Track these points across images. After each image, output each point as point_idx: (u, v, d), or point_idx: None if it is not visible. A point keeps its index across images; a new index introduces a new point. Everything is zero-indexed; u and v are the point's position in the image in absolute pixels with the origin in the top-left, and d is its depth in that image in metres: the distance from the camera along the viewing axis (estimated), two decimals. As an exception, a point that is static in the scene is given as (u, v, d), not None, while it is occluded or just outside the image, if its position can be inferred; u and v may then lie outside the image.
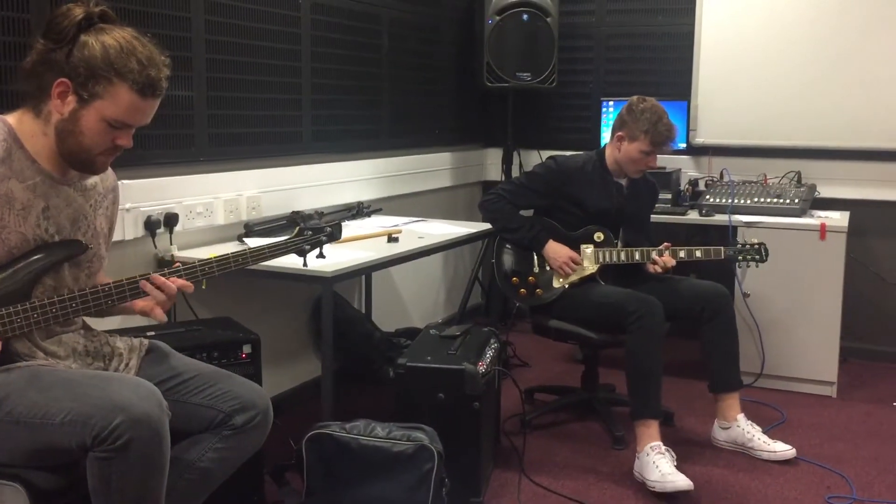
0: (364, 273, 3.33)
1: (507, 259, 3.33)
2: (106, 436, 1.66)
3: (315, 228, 2.31)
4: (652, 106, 3.14)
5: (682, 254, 3.15)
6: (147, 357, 2.06)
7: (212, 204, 3.01)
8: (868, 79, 4.05)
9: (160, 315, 1.98)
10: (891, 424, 3.47)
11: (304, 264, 2.35)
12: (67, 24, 1.75)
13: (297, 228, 2.29)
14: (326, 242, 2.35)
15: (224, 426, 2.01)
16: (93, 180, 1.95)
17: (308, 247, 2.29)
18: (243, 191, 3.15)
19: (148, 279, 1.92)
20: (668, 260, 3.11)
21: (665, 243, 3.16)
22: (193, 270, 2.00)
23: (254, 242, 2.97)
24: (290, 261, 2.34)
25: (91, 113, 1.77)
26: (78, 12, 1.76)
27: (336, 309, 3.61)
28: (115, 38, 1.76)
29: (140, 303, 1.98)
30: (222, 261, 2.05)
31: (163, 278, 1.93)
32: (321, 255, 2.37)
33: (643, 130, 3.10)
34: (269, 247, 2.18)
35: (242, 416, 2.01)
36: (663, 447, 2.87)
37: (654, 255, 3.13)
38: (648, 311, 2.95)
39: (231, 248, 2.95)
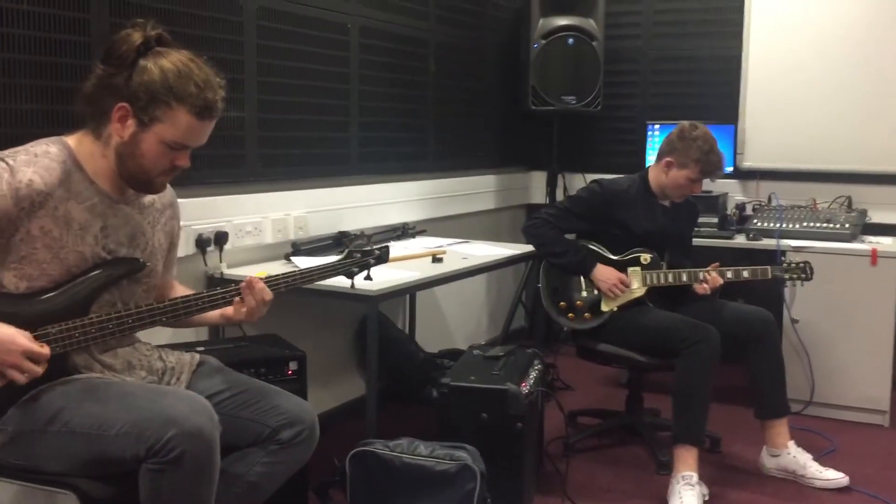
0: (408, 293, 3.36)
1: (554, 283, 3.32)
2: (159, 448, 1.69)
3: (363, 251, 2.33)
4: (704, 134, 3.12)
5: (728, 274, 3.13)
6: (198, 371, 2.10)
7: (261, 223, 3.07)
8: (920, 102, 3.99)
9: (253, 318, 2.02)
10: (946, 455, 3.38)
11: (352, 286, 2.37)
12: (127, 50, 1.79)
13: (347, 251, 2.32)
14: (375, 265, 2.37)
15: (271, 441, 2.03)
16: (150, 198, 2.00)
17: (356, 269, 2.31)
18: (291, 210, 3.21)
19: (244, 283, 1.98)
20: (716, 278, 3.09)
21: (713, 264, 3.13)
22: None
23: (301, 261, 3.02)
24: (337, 280, 2.37)
25: (150, 136, 1.81)
26: (137, 37, 1.80)
27: (381, 330, 3.64)
28: (172, 61, 1.80)
29: (230, 310, 2.02)
30: (278, 279, 2.08)
31: (262, 283, 1.99)
32: (368, 278, 2.39)
33: (694, 159, 3.09)
34: (319, 268, 2.21)
35: (289, 431, 2.03)
36: (695, 479, 2.83)
37: (702, 274, 3.10)
38: (704, 338, 2.92)
39: (278, 266, 3.01)
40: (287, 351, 2.61)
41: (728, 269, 3.14)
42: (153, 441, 1.69)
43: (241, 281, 2.01)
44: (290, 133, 3.21)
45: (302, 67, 3.24)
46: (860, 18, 4.09)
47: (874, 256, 3.62)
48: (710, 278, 3.09)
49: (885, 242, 3.78)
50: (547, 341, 4.54)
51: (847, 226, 3.82)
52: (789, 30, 4.23)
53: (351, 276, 2.32)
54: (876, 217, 4.07)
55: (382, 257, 2.39)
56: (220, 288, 2.01)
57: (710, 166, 3.09)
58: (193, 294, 1.99)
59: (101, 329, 1.83)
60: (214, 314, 2.06)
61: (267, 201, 3.11)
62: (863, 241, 3.79)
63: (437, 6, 4.05)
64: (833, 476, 3.01)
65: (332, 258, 3.05)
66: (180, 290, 2.17)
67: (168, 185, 2.05)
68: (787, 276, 3.17)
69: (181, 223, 2.16)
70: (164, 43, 1.85)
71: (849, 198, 4.07)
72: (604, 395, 4.02)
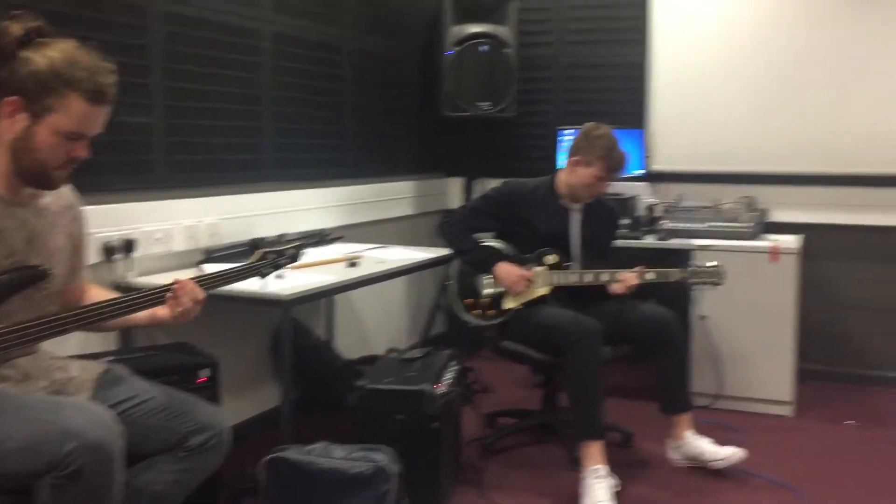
0: (323, 296, 3.34)
1: (462, 280, 3.37)
2: (58, 462, 1.65)
3: (277, 251, 2.33)
4: (607, 133, 3.23)
5: (649, 275, 3.20)
6: (103, 380, 2.05)
7: (171, 230, 3.02)
8: (817, 105, 4.20)
9: (188, 317, 1.99)
10: (844, 442, 3.53)
11: (264, 285, 2.36)
12: (6, 43, 1.75)
13: (262, 252, 2.31)
14: (288, 264, 2.37)
15: (180, 447, 2.01)
16: (47, 200, 1.95)
17: (270, 269, 2.31)
18: (203, 217, 3.17)
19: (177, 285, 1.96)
20: (631, 278, 3.16)
21: (640, 266, 3.20)
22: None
23: (214, 269, 2.98)
24: (248, 285, 2.36)
25: (44, 128, 1.77)
26: (16, 29, 1.76)
27: (298, 337, 3.63)
28: (58, 49, 1.77)
29: (163, 311, 1.99)
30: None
31: (185, 281, 1.98)
32: (279, 276, 2.39)
33: (599, 156, 3.17)
34: (231, 270, 2.19)
35: (199, 436, 2.01)
36: (604, 471, 2.89)
37: (618, 275, 3.17)
38: (585, 334, 2.98)
39: (190, 274, 2.95)
40: (199, 358, 2.57)
41: (634, 271, 3.21)
42: (51, 455, 1.65)
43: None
44: (202, 139, 3.18)
45: (213, 73, 3.21)
46: (761, 25, 4.27)
47: (774, 253, 3.78)
48: (625, 278, 3.16)
49: (784, 240, 3.95)
50: (467, 345, 4.58)
51: (749, 224, 3.98)
52: (692, 37, 4.39)
53: (264, 276, 2.31)
54: (778, 216, 4.25)
55: (296, 256, 2.40)
56: (138, 291, 1.97)
57: (614, 163, 3.18)
58: (111, 299, 1.91)
59: (2, 342, 1.77)
60: (142, 316, 2.01)
61: (177, 208, 3.07)
62: (764, 239, 3.96)
63: (352, 13, 4.06)
64: (727, 452, 3.13)
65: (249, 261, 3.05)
66: (96, 293, 2.12)
67: (66, 188, 2.01)
68: (695, 280, 3.24)
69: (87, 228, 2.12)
70: (44, 34, 1.80)
71: (751, 197, 4.23)
72: (522, 395, 4.08)
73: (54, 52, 1.76)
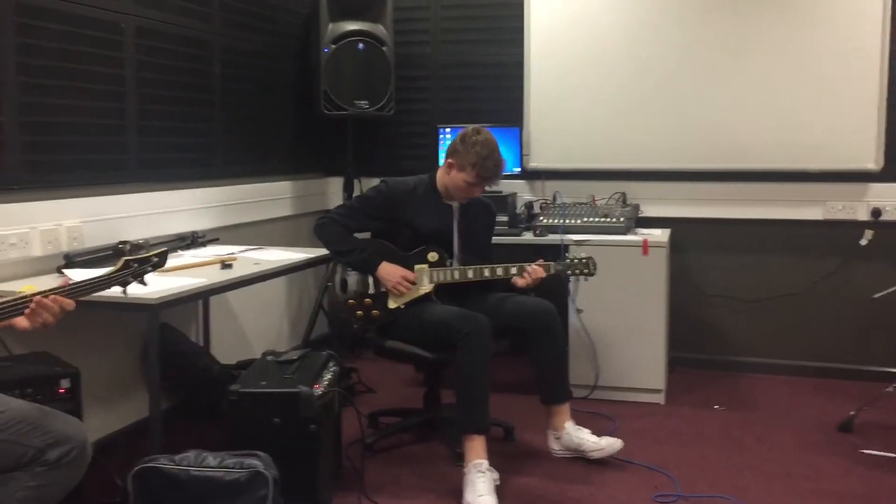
0: (192, 300, 3.23)
1: (344, 281, 3.33)
2: None
3: (139, 259, 2.24)
4: (484, 140, 3.20)
5: (513, 270, 3.25)
6: (-51, 395, 1.93)
7: (27, 234, 2.85)
8: (684, 103, 4.37)
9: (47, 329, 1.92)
10: (712, 426, 3.69)
11: (124, 292, 2.27)
12: None
13: (123, 261, 2.22)
14: (152, 271, 2.29)
15: (36, 462, 1.91)
16: None
17: (131, 279, 2.22)
18: (63, 220, 3.00)
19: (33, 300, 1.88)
20: (539, 270, 3.20)
21: (538, 259, 3.25)
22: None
23: (75, 274, 2.84)
24: (112, 290, 2.25)
25: None
26: None
27: (170, 343, 3.50)
28: None
29: (22, 321, 1.91)
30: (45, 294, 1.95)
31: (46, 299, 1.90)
32: (142, 282, 2.30)
33: (471, 163, 3.18)
34: (90, 281, 2.09)
35: (56, 450, 1.92)
36: (485, 465, 2.92)
37: (526, 266, 3.21)
38: (476, 328, 3.01)
39: (50, 280, 2.81)
40: (58, 368, 2.44)
41: (512, 266, 3.25)
42: None
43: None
44: (60, 137, 3.02)
45: (72, 68, 3.05)
46: (630, 26, 4.41)
47: (645, 247, 3.91)
48: (532, 269, 3.20)
49: (654, 234, 4.10)
50: (349, 346, 4.54)
51: (622, 219, 4.10)
52: (565, 39, 4.49)
53: (125, 286, 2.22)
54: (648, 211, 4.41)
55: (159, 263, 2.32)
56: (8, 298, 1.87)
57: (486, 171, 3.19)
58: None
59: None
60: None
61: (35, 210, 2.90)
62: (636, 234, 4.09)
63: (222, 8, 3.95)
64: (606, 443, 3.22)
65: (110, 269, 2.92)
66: None
67: None
68: (569, 271, 3.33)
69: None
70: None
71: (624, 194, 4.38)
72: (406, 395, 4.07)
73: None
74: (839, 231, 4.31)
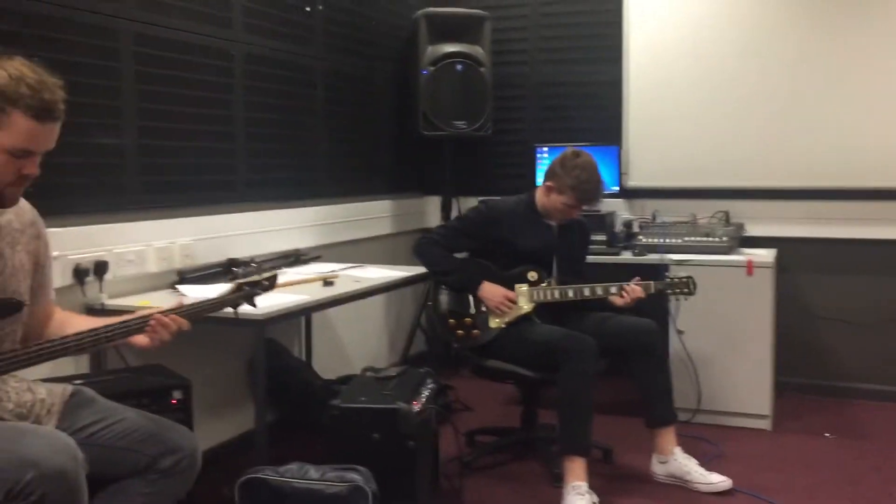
0: (297, 316, 3.32)
1: (444, 301, 3.36)
2: (18, 492, 1.62)
3: (252, 283, 2.31)
4: (583, 163, 3.20)
5: (612, 289, 3.21)
6: (70, 402, 2.03)
7: (144, 252, 3.00)
8: (791, 120, 4.23)
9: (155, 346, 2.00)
10: (822, 454, 3.54)
11: (235, 314, 2.34)
12: None
13: (236, 284, 2.29)
14: (261, 294, 2.36)
15: (150, 470, 1.99)
16: (7, 217, 1.93)
17: (244, 301, 2.29)
18: (177, 238, 3.15)
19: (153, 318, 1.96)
20: (637, 289, 3.17)
21: (635, 278, 3.22)
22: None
23: (188, 290, 2.97)
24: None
25: None
26: None
27: (275, 358, 3.61)
28: (2, 67, 1.75)
29: (142, 339, 1.98)
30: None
31: (166, 318, 1.98)
32: (252, 304, 2.36)
33: (570, 186, 3.18)
34: (204, 303, 2.17)
35: (169, 459, 1.99)
36: (585, 488, 2.90)
37: (625, 286, 3.18)
38: (581, 349, 2.99)
39: (164, 295, 2.95)
40: (172, 380, 2.55)
41: (612, 285, 3.22)
42: (10, 484, 1.62)
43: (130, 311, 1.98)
44: (175, 160, 3.17)
45: (186, 94, 3.20)
46: (734, 41, 4.31)
47: (750, 267, 3.80)
48: (630, 289, 3.17)
49: (759, 253, 3.98)
50: (446, 364, 4.57)
51: (725, 239, 4.00)
52: (666, 54, 4.43)
53: (236, 307, 2.30)
54: (751, 230, 4.28)
55: (269, 287, 2.38)
56: (120, 319, 1.95)
57: (585, 195, 3.18)
58: (91, 330, 1.89)
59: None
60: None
61: (150, 229, 3.05)
62: (739, 253, 3.98)
63: (325, 34, 4.07)
64: (716, 479, 3.12)
65: (220, 286, 3.03)
66: (65, 318, 2.10)
67: (29, 205, 1.99)
68: (669, 291, 3.28)
69: (54, 250, 2.10)
70: None
71: (726, 212, 4.26)
72: (502, 413, 4.06)
73: None
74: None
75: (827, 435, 3.78)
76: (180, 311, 2.05)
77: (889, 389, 4.25)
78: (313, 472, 2.50)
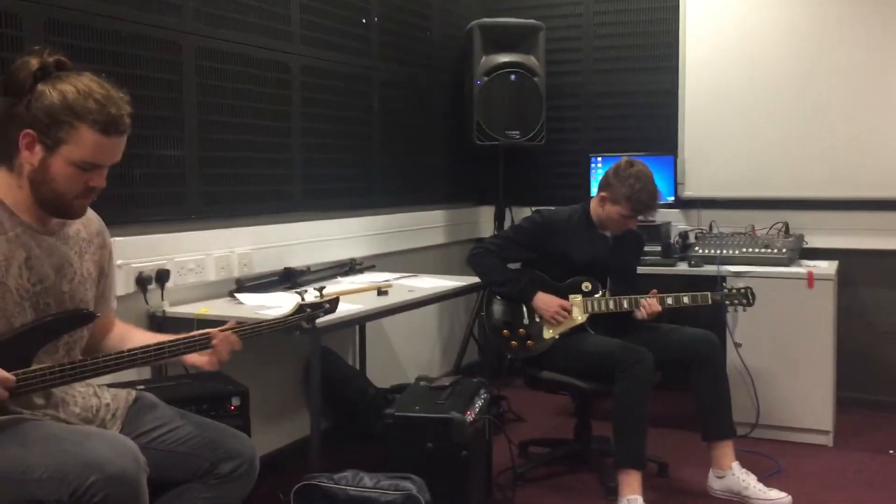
0: (352, 325, 3.36)
1: (497, 311, 3.36)
2: (82, 494, 1.66)
3: (314, 305, 2.32)
4: (637, 172, 3.18)
5: (669, 300, 3.18)
6: (134, 407, 2.08)
7: (203, 261, 3.06)
8: (852, 128, 4.14)
9: (214, 366, 2.04)
10: (886, 473, 3.44)
11: (297, 335, 2.36)
12: (24, 77, 1.79)
13: (298, 305, 2.30)
14: (322, 317, 2.37)
15: (210, 475, 2.02)
16: (75, 227, 1.99)
17: (305, 323, 2.31)
18: (235, 247, 3.21)
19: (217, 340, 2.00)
20: (653, 304, 3.14)
21: (652, 290, 3.19)
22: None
23: (246, 298, 3.02)
24: (278, 312, 2.37)
25: (59, 159, 1.80)
26: (33, 63, 1.80)
27: (329, 366, 3.64)
28: (71, 83, 1.80)
29: (198, 359, 2.03)
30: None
31: (226, 334, 2.02)
32: (313, 326, 2.36)
33: (625, 196, 3.16)
34: (269, 322, 2.20)
35: (228, 464, 2.02)
36: (640, 501, 2.87)
37: (641, 300, 3.16)
38: (637, 360, 2.97)
39: (222, 303, 3.01)
40: (230, 387, 2.59)
41: (668, 295, 3.19)
42: (75, 486, 1.66)
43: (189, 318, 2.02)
44: (233, 170, 3.23)
45: (244, 106, 3.26)
46: (792, 50, 4.24)
47: (811, 279, 3.72)
48: (647, 304, 3.14)
49: (820, 266, 3.89)
50: (498, 374, 4.56)
51: (784, 251, 3.92)
52: (723, 63, 4.37)
53: (298, 329, 2.31)
54: (813, 242, 4.18)
55: (330, 310, 2.38)
56: (183, 335, 2.00)
57: (641, 205, 3.16)
58: (148, 346, 1.94)
59: (60, 376, 1.79)
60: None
61: (209, 238, 3.11)
62: (800, 265, 3.90)
63: (381, 45, 4.12)
64: (776, 496, 3.05)
65: (278, 294, 3.09)
66: (125, 332, 2.15)
67: (95, 215, 2.05)
68: (727, 301, 3.23)
69: (118, 259, 2.15)
70: (63, 67, 1.84)
71: (786, 223, 4.18)
72: (555, 424, 4.04)
73: (67, 86, 1.80)
74: None
75: (891, 452, 3.67)
76: (242, 329, 2.09)
77: (957, 406, 4.12)
78: (367, 479, 2.52)
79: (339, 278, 3.63)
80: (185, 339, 1.99)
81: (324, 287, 2.41)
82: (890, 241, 4.17)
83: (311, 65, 3.62)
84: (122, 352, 1.89)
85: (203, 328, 2.04)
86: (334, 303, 2.36)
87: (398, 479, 2.51)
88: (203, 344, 2.00)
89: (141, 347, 1.92)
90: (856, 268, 4.20)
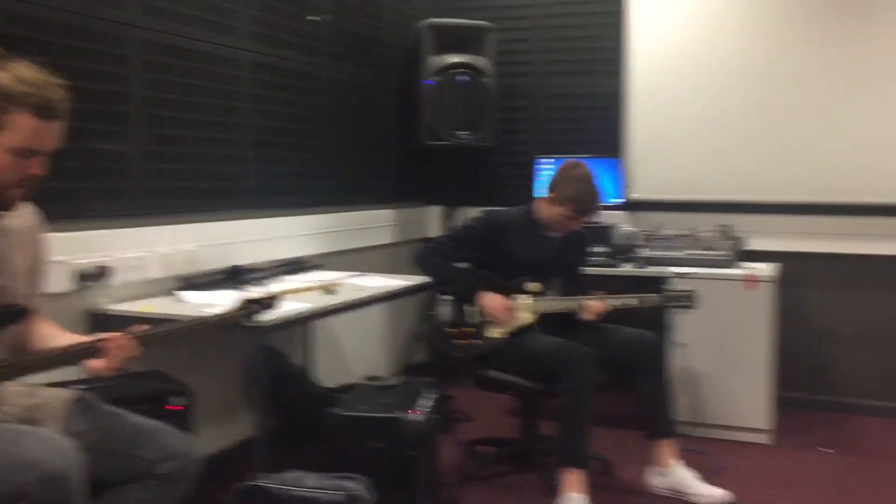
0: (297, 324, 3.32)
1: (445, 310, 3.37)
2: (18, 494, 1.62)
3: (256, 301, 2.31)
4: (581, 174, 3.23)
5: (614, 301, 3.22)
6: (73, 407, 2.03)
7: (147, 257, 3.01)
8: (794, 134, 4.26)
9: (111, 372, 1.97)
10: (822, 470, 3.54)
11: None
12: None
13: (244, 301, 2.29)
14: (265, 312, 2.37)
15: (149, 475, 1.99)
16: (12, 221, 1.94)
17: (247, 320, 2.30)
18: (180, 244, 3.16)
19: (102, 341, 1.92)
20: (598, 305, 3.18)
21: (597, 291, 3.23)
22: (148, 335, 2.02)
23: (190, 296, 2.98)
24: (223, 311, 2.35)
25: None
26: None
27: (275, 365, 3.60)
28: (5, 70, 1.77)
29: (92, 363, 1.96)
30: (155, 333, 2.04)
31: (120, 340, 1.93)
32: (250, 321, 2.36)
33: (568, 198, 3.20)
34: (214, 317, 2.18)
35: (168, 464, 1.99)
36: (582, 500, 2.90)
37: (584, 301, 3.19)
38: (580, 361, 3.00)
39: (166, 301, 2.96)
40: (171, 386, 2.55)
41: (613, 297, 3.23)
42: (10, 486, 1.63)
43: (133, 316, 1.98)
44: (180, 166, 3.18)
45: (192, 101, 3.22)
46: (736, 55, 4.34)
47: (749, 281, 3.80)
48: (591, 305, 3.18)
49: (760, 268, 3.98)
50: (447, 373, 4.56)
51: (726, 252, 4.00)
52: (668, 67, 4.45)
53: (240, 323, 2.30)
54: (754, 244, 4.27)
55: (270, 306, 2.38)
56: (78, 342, 1.95)
57: (583, 206, 3.20)
58: (44, 353, 1.91)
59: None
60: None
61: (154, 235, 3.06)
62: (741, 267, 3.98)
63: (331, 43, 4.09)
64: (716, 493, 3.11)
65: (224, 292, 3.04)
66: (45, 331, 2.09)
67: (32, 208, 2.00)
68: (671, 304, 3.29)
69: (58, 255, 2.10)
70: None
71: (728, 226, 4.26)
72: (503, 424, 4.05)
73: (1, 73, 1.77)
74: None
75: (823, 449, 3.77)
76: (179, 327, 2.06)
77: (891, 405, 4.25)
78: (312, 480, 2.50)
79: (287, 277, 3.60)
80: (77, 346, 1.93)
81: (269, 286, 2.40)
82: (828, 245, 4.29)
83: (261, 61, 3.59)
84: (44, 352, 1.86)
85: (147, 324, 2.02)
86: (271, 301, 2.35)
87: (342, 480, 2.50)
88: (92, 352, 1.93)
89: (26, 358, 1.87)
90: (796, 270, 4.31)
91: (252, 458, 2.72)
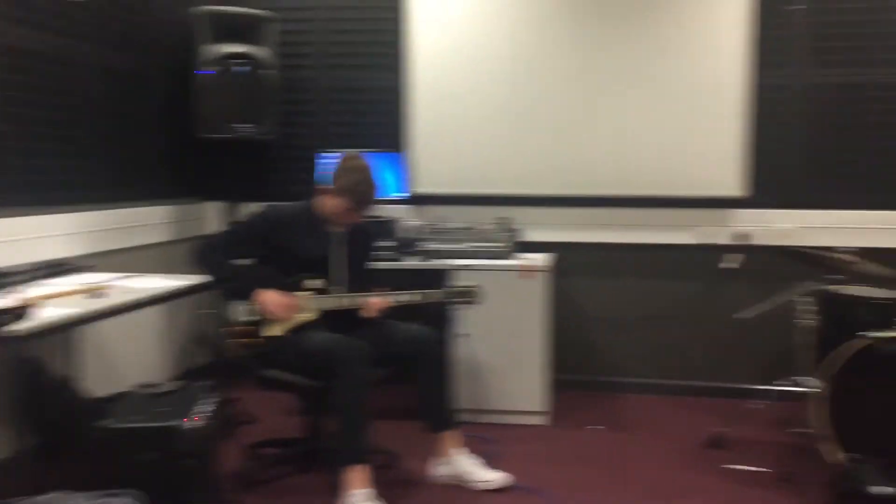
0: (59, 331, 3.06)
1: (224, 309, 3.25)
2: None
3: (7, 311, 2.11)
4: (358, 166, 3.23)
5: (397, 297, 3.25)
6: None
7: None
8: (568, 130, 4.49)
9: None
10: (592, 447, 3.78)
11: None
12: None
13: None
14: (10, 324, 2.16)
15: None
16: None
17: None
18: (-86, 248, 2.82)
19: None
20: (379, 301, 3.19)
21: (379, 287, 3.24)
22: None
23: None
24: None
25: None
26: None
27: (31, 378, 3.31)
28: None
29: None
30: None
31: None
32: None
33: (346, 190, 3.19)
34: None
35: None
36: (365, 494, 2.91)
37: (365, 298, 3.20)
38: (351, 357, 3.00)
39: None
40: None
41: (396, 293, 3.26)
42: None
43: None
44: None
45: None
46: (509, 53, 4.51)
47: (525, 270, 3.99)
48: (372, 302, 3.19)
49: (536, 258, 4.18)
50: (230, 375, 4.41)
51: (504, 244, 4.17)
52: (448, 63, 4.55)
53: None
54: (532, 236, 4.49)
55: (22, 315, 2.19)
56: None
57: (360, 196, 3.20)
58: None
59: None
60: None
61: None
62: (518, 258, 4.16)
63: (97, 28, 3.81)
64: (494, 476, 3.24)
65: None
66: None
67: None
68: (454, 299, 3.36)
69: None
70: None
71: (506, 219, 4.44)
72: (288, 424, 3.98)
73: None
74: (709, 255, 4.49)
75: (593, 427, 4.04)
76: None
77: (649, 382, 4.62)
78: (77, 499, 2.32)
79: (48, 281, 3.31)
80: None
81: (26, 291, 2.20)
82: (597, 235, 4.59)
83: (16, 45, 3.26)
84: None
85: None
86: (26, 309, 2.15)
87: (111, 497, 2.33)
88: None
89: None
90: (569, 260, 4.58)
91: (8, 480, 2.48)
